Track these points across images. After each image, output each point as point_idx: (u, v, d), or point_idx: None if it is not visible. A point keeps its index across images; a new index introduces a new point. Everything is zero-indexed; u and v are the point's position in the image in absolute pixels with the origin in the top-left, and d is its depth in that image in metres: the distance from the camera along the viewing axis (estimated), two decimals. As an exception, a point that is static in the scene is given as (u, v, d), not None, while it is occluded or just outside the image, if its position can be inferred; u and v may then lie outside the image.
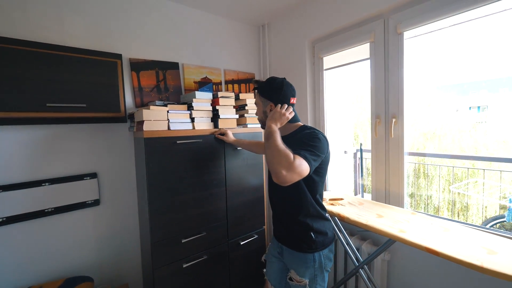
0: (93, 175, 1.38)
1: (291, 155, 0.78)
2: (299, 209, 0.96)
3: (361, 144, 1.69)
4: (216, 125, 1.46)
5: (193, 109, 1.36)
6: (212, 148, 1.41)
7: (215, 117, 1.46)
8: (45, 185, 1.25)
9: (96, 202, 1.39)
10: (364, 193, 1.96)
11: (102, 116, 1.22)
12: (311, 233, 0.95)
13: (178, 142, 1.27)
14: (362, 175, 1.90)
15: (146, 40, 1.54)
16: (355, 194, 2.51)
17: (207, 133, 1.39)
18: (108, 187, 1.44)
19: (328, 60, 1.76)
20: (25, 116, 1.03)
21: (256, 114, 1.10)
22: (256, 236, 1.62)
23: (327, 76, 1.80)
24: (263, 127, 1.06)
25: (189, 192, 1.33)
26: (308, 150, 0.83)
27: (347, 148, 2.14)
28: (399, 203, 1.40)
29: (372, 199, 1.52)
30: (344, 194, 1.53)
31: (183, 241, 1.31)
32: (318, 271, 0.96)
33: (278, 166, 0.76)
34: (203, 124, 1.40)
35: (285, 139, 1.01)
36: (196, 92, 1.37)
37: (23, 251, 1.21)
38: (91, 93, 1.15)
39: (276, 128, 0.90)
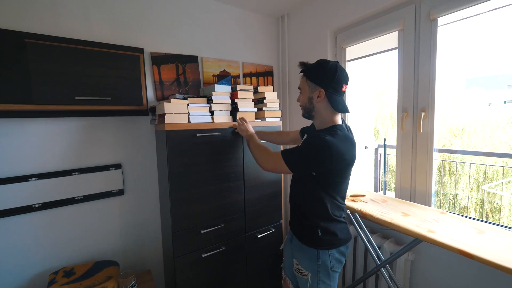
0: (118, 166, 1.44)
1: (269, 150, 1.02)
2: (308, 207, 0.97)
3: (385, 140, 1.61)
4: (235, 118, 1.45)
5: (212, 102, 1.36)
6: (230, 141, 1.41)
7: (234, 110, 1.45)
8: (75, 174, 1.32)
9: (120, 192, 1.45)
10: (386, 191, 1.89)
11: (126, 109, 1.25)
12: (318, 230, 0.94)
13: (198, 135, 1.28)
14: (385, 172, 1.83)
15: (166, 34, 1.56)
16: (375, 191, 2.43)
17: (226, 126, 1.39)
18: (132, 178, 1.49)
19: (351, 51, 1.68)
20: (57, 109, 1.08)
21: (298, 100, 1.01)
22: (273, 230, 1.62)
23: (350, 67, 1.72)
24: (305, 115, 1.00)
25: (208, 184, 1.35)
26: (294, 153, 0.89)
27: (368, 144, 2.06)
28: (425, 202, 1.33)
29: (395, 197, 1.46)
30: (365, 190, 1.48)
31: (202, 231, 1.33)
32: (322, 268, 0.94)
33: (257, 158, 1.05)
34: (222, 117, 1.40)
35: (312, 133, 1.01)
36: (216, 85, 1.37)
37: (57, 235, 1.29)
38: (115, 87, 1.18)
39: (248, 135, 1.17)
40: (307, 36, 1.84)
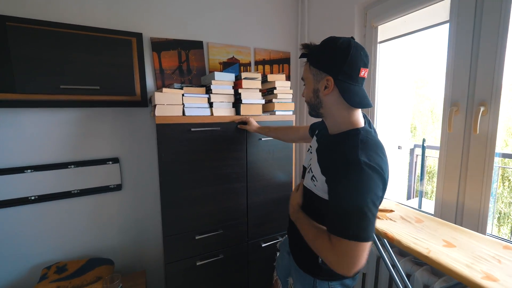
0: (115, 160, 1.36)
1: (326, 241, 0.61)
2: None
3: (423, 140, 1.29)
4: (238, 112, 1.27)
5: (211, 93, 1.19)
6: (232, 137, 1.23)
7: (237, 102, 1.27)
8: (71, 167, 1.27)
9: (118, 187, 1.38)
10: (421, 203, 1.55)
11: (116, 100, 1.14)
12: (319, 258, 0.72)
13: (192, 129, 1.12)
14: (422, 179, 1.49)
15: (167, 17, 1.41)
16: (408, 199, 2.09)
17: (227, 120, 1.22)
18: (130, 173, 1.41)
19: (384, 30, 1.37)
20: (43, 99, 1.01)
21: (303, 95, 0.76)
22: (280, 239, 1.43)
23: (382, 50, 1.41)
24: (311, 113, 0.75)
25: (205, 185, 1.20)
26: (342, 218, 0.57)
27: (401, 143, 1.73)
28: (478, 226, 1.01)
29: (435, 215, 1.16)
30: (394, 203, 1.20)
31: (197, 237, 1.20)
32: None
33: (324, 258, 0.63)
34: (223, 110, 1.23)
35: (326, 140, 0.74)
36: (216, 73, 1.19)
37: (53, 229, 1.26)
38: (104, 75, 1.07)
39: (296, 217, 0.76)
40: (331, 14, 1.55)
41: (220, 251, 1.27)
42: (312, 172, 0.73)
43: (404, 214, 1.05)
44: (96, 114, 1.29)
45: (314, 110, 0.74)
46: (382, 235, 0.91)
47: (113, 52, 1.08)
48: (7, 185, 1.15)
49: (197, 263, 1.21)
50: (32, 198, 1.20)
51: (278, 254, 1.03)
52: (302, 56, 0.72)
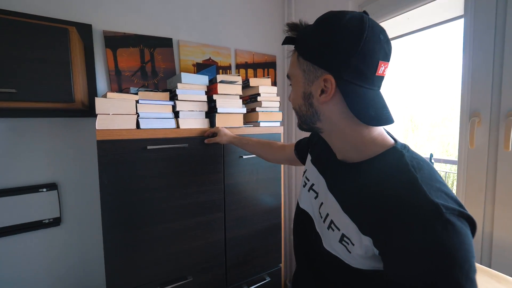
0: (53, 186, 1.04)
1: None
2: None
3: (431, 155, 1.10)
4: (213, 123, 1.01)
5: (177, 99, 0.93)
6: (204, 156, 0.97)
7: (211, 111, 1.01)
8: (-16, 198, 0.94)
9: (56, 221, 1.05)
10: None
11: (44, 108, 0.85)
12: None
13: (149, 147, 0.85)
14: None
15: (127, 7, 1.15)
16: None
17: (198, 134, 0.95)
18: (72, 202, 1.09)
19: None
20: None
21: (289, 98, 0.52)
22: (268, 279, 1.15)
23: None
24: (302, 127, 0.51)
25: (168, 220, 0.91)
26: None
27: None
28: (517, 266, 0.80)
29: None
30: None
31: (157, 291, 0.90)
32: None
33: None
34: (193, 121, 0.96)
35: (346, 173, 0.48)
36: (183, 74, 0.94)
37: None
38: (27, 74, 0.78)
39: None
40: (321, 13, 1.37)
41: (190, 304, 0.98)
42: (337, 228, 0.46)
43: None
44: (21, 126, 0.98)
45: (306, 123, 0.49)
46: None
47: (41, 44, 0.80)
48: None
49: (157, 326, 0.90)
50: None
51: None
52: (286, 41, 0.47)
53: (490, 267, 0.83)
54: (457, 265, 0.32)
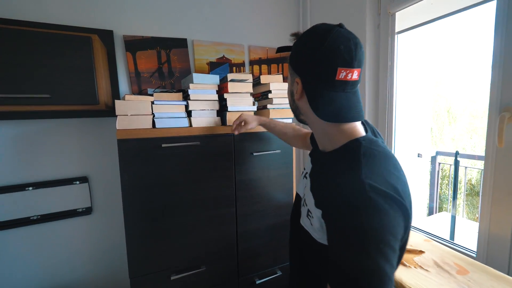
0: (84, 179, 1.16)
1: None
2: None
3: (457, 153, 1.02)
4: (224, 121, 1.04)
5: (189, 99, 0.97)
6: (216, 153, 1.01)
7: (222, 110, 1.04)
8: (29, 189, 1.08)
9: (87, 211, 1.18)
10: (454, 231, 1.26)
11: (73, 110, 0.94)
12: None
13: (164, 145, 0.90)
14: (455, 198, 1.20)
15: (144, 11, 1.21)
16: (429, 214, 1.80)
17: (210, 132, 0.99)
18: (101, 194, 1.21)
19: (403, 17, 1.11)
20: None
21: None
22: (279, 273, 1.18)
23: (400, 42, 1.15)
24: (296, 118, 0.62)
25: (182, 213, 0.97)
26: (350, 281, 0.38)
27: (421, 150, 1.46)
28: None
29: (478, 254, 0.88)
30: (423, 238, 0.92)
31: (173, 277, 0.97)
32: None
33: None
34: (205, 120, 1.00)
35: (319, 160, 0.57)
36: (195, 74, 0.97)
37: (9, 262, 1.07)
38: (57, 80, 0.87)
39: None
40: (337, 2, 1.30)
41: (203, 292, 1.04)
42: (306, 205, 0.54)
43: (439, 258, 0.78)
44: (57, 126, 1.10)
45: (295, 115, 0.61)
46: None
47: (68, 53, 0.88)
48: None
49: (174, 309, 0.98)
50: (-19, 227, 1.01)
51: None
52: (280, 50, 0.60)
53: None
54: (371, 238, 0.37)
